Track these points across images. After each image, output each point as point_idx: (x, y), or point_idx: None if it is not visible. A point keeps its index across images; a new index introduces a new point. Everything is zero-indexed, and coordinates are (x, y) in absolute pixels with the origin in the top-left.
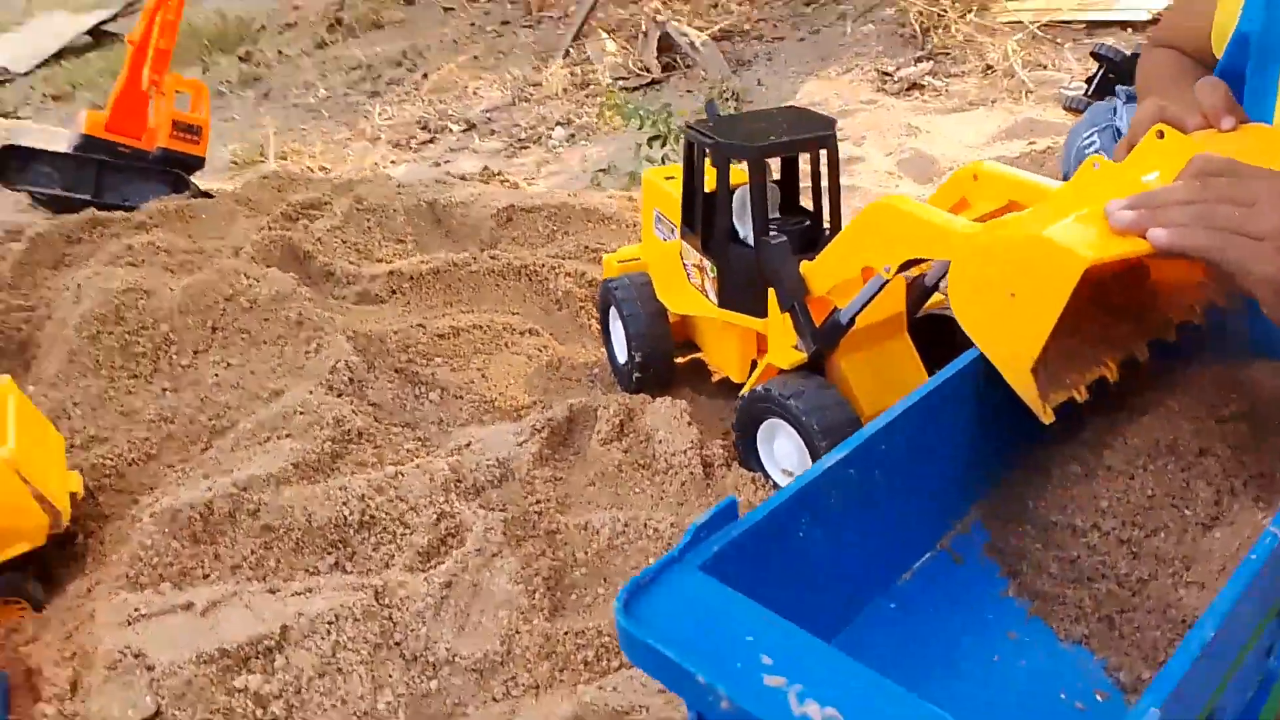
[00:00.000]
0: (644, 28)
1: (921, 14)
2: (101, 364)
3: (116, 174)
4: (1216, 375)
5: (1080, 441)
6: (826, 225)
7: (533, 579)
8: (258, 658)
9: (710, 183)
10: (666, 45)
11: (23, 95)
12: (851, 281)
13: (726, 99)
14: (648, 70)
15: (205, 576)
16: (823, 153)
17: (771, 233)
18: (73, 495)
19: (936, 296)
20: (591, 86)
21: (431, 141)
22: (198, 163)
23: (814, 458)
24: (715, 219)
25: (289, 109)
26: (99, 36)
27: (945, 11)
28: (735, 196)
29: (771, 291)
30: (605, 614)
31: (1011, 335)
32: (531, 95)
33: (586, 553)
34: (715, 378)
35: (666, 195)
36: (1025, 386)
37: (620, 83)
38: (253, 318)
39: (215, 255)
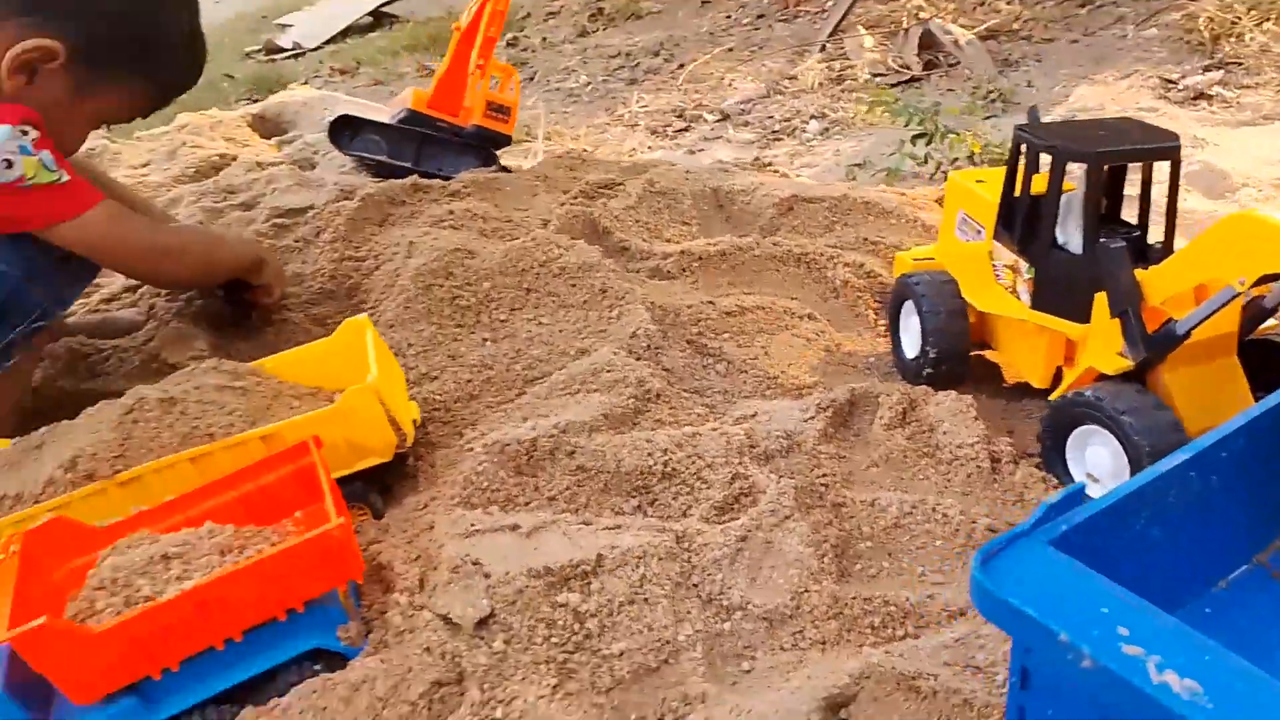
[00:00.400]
0: (905, 24)
1: (1212, 20)
2: (433, 312)
3: (434, 146)
4: None
5: None
6: (1155, 239)
7: (821, 544)
8: (576, 579)
9: (1031, 187)
10: (928, 43)
11: (313, 68)
12: (1186, 294)
13: (992, 100)
14: (907, 68)
15: (527, 504)
16: (1165, 165)
17: (1109, 243)
18: (413, 422)
19: (1271, 322)
20: (847, 82)
21: (687, 130)
22: (506, 140)
23: (1134, 468)
24: (1039, 222)
25: (551, 93)
26: (379, 18)
27: (1239, 19)
28: (1061, 202)
29: (1098, 297)
30: (891, 586)
31: None
32: (786, 89)
33: (873, 528)
34: (1009, 380)
35: (975, 197)
36: None
37: (878, 79)
38: (562, 283)
39: (523, 224)
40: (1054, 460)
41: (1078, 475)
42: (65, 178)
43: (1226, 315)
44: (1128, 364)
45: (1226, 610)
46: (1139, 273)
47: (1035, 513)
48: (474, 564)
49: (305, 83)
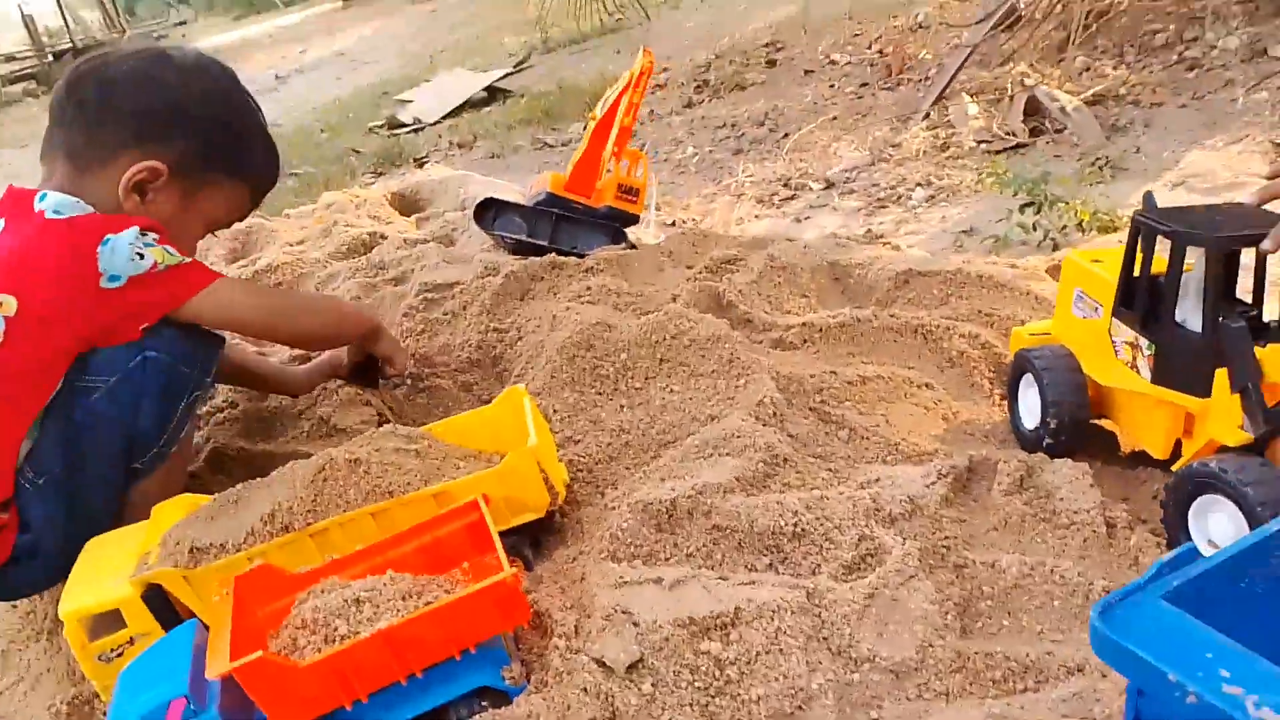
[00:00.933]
0: (1010, 91)
1: None
2: (576, 381)
3: (569, 225)
4: None
5: None
6: (1271, 316)
7: (945, 602)
8: (717, 629)
9: (1156, 267)
10: (1034, 109)
11: (432, 142)
12: None
13: (1101, 167)
14: (1013, 134)
15: (668, 559)
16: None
17: (1230, 322)
18: (564, 481)
19: None
20: (952, 149)
21: (793, 198)
22: (634, 219)
23: None
24: (1160, 302)
25: (660, 164)
26: (493, 93)
27: None
28: (1181, 282)
29: (1219, 373)
30: (1012, 643)
31: None
32: (890, 156)
33: (994, 588)
34: (1125, 450)
35: (1092, 277)
36: None
37: (983, 146)
38: (692, 353)
39: (654, 299)
40: (1175, 528)
41: (1200, 544)
42: (189, 260)
43: None
44: (1248, 437)
45: None
46: (1258, 350)
47: (1150, 570)
48: (624, 613)
49: (425, 155)
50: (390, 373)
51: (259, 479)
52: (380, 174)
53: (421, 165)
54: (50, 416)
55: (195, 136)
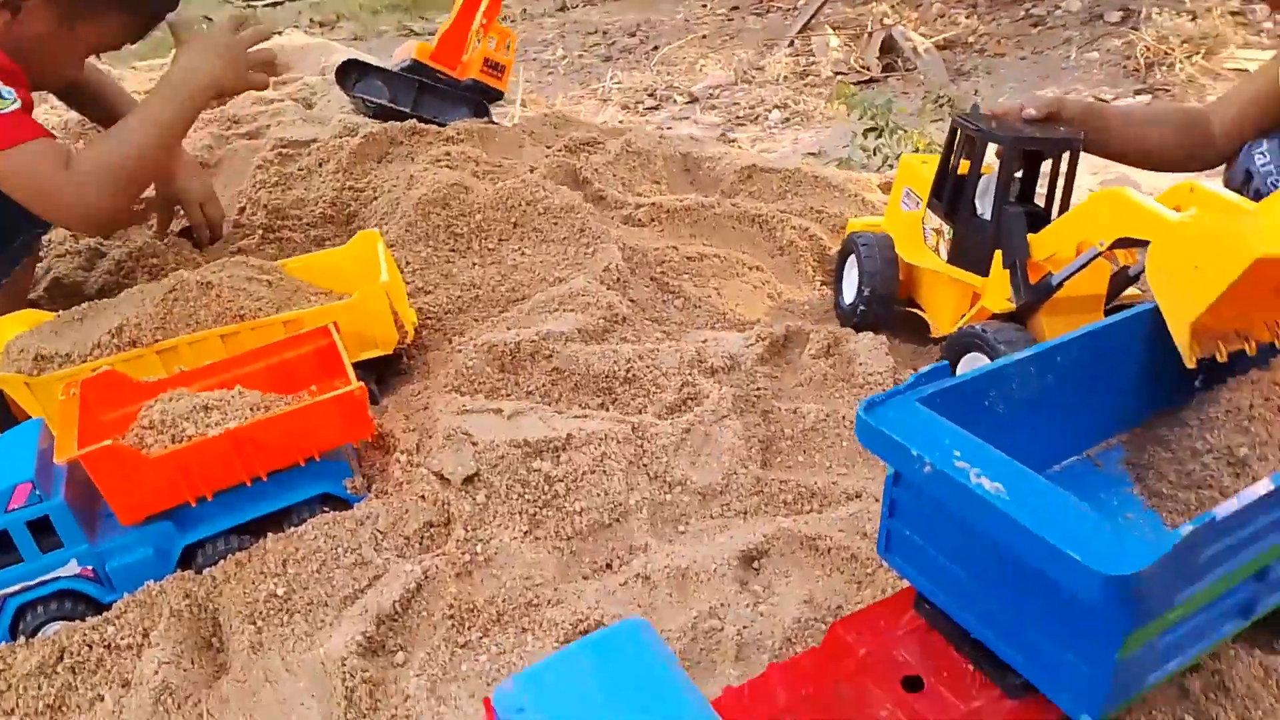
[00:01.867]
0: (870, 28)
1: (1149, 49)
2: (430, 236)
3: (432, 95)
4: None
5: (1213, 397)
6: (1054, 216)
7: (750, 439)
8: (549, 451)
9: (963, 168)
10: (889, 47)
11: (292, 19)
12: (1066, 258)
13: (941, 105)
14: (868, 69)
15: (508, 395)
16: (1066, 156)
17: (1010, 208)
18: (413, 324)
19: (1132, 291)
20: (810, 77)
21: (657, 108)
22: (498, 95)
23: None
24: (962, 193)
25: (529, 63)
26: None
27: (1173, 50)
28: (981, 179)
29: (998, 253)
30: (804, 474)
31: (1185, 296)
32: (753, 78)
33: (794, 430)
34: (933, 334)
35: (918, 175)
36: (1182, 336)
37: (840, 77)
38: (546, 220)
39: (512, 170)
40: None
41: None
42: (16, 104)
43: (1096, 277)
44: (1011, 306)
45: (1054, 483)
46: (1030, 236)
47: (910, 379)
48: (464, 434)
49: (282, 31)
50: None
51: (106, 299)
52: None
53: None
54: None
55: None
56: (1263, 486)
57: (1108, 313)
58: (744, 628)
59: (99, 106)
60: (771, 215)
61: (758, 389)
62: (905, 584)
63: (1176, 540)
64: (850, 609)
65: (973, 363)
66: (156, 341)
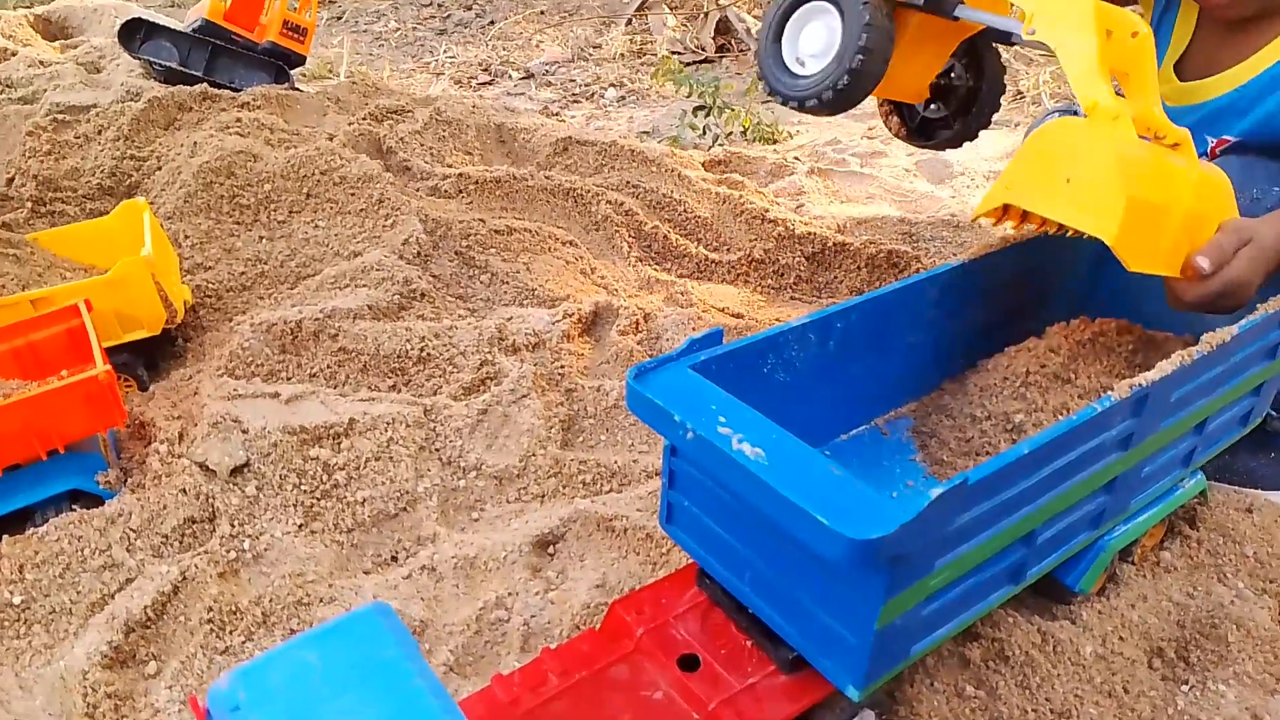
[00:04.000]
0: (705, 9)
1: None
2: (212, 208)
3: (228, 58)
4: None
5: (994, 363)
6: None
7: (551, 419)
8: (329, 438)
9: None
10: (724, 29)
11: None
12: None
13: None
14: (702, 48)
15: (288, 379)
16: None
17: None
18: (185, 303)
19: None
20: (647, 56)
21: (490, 84)
22: (300, 60)
23: (841, 55)
24: None
25: (359, 34)
26: None
27: None
28: None
29: None
30: (605, 453)
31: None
32: (590, 55)
33: (596, 408)
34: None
35: None
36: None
37: (675, 56)
38: (342, 190)
39: (310, 138)
40: (769, 53)
41: (789, 58)
42: None
43: None
44: None
45: (841, 452)
46: None
47: (681, 345)
48: (233, 420)
49: None
50: None
51: None
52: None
53: None
54: None
55: None
56: (1020, 449)
57: None
58: (531, 616)
59: None
60: (587, 189)
61: (561, 366)
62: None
63: (926, 503)
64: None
65: (808, 17)
66: None
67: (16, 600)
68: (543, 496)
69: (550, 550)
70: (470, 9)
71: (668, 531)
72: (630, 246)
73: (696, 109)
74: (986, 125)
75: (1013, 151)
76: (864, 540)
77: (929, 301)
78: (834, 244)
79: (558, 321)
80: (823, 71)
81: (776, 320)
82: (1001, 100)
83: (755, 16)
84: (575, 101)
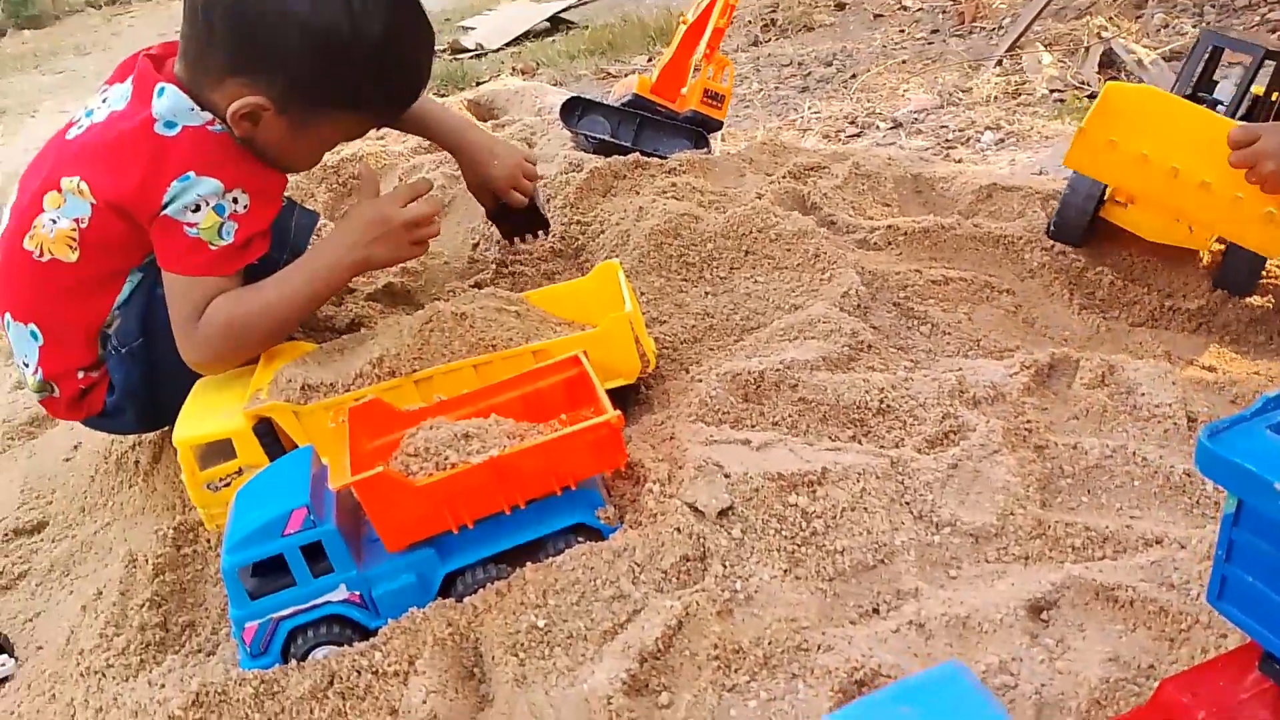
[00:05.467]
0: (1086, 43)
1: None
2: (663, 266)
3: (652, 129)
4: None
5: None
6: None
7: (1026, 476)
8: (804, 485)
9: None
10: (1108, 62)
11: (495, 68)
12: None
13: None
14: (1086, 84)
15: (753, 426)
16: None
17: None
18: (653, 354)
19: None
20: (1024, 96)
21: (859, 135)
22: (718, 125)
23: None
24: None
25: None
26: (556, 23)
27: None
28: None
29: None
30: (1090, 516)
31: None
32: (960, 100)
33: (1075, 467)
34: None
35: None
36: None
37: (1055, 94)
38: (777, 247)
39: (738, 198)
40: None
41: None
42: (226, 244)
43: None
44: None
45: None
46: None
47: (1256, 403)
48: (715, 465)
49: (487, 80)
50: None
51: (366, 330)
52: (443, 95)
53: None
54: (136, 292)
55: (299, 72)
56: None
57: None
58: (1042, 685)
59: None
60: (1017, 235)
61: (1027, 421)
62: (1234, 642)
63: None
64: (1165, 670)
65: None
66: (414, 371)
67: (540, 624)
68: (1026, 558)
69: (1044, 616)
70: (830, 65)
71: (1219, 609)
72: (1071, 294)
73: None
74: None
75: None
76: None
77: None
78: None
79: (1015, 374)
80: None
81: (1255, 374)
82: None
83: (1145, 45)
84: (950, 148)
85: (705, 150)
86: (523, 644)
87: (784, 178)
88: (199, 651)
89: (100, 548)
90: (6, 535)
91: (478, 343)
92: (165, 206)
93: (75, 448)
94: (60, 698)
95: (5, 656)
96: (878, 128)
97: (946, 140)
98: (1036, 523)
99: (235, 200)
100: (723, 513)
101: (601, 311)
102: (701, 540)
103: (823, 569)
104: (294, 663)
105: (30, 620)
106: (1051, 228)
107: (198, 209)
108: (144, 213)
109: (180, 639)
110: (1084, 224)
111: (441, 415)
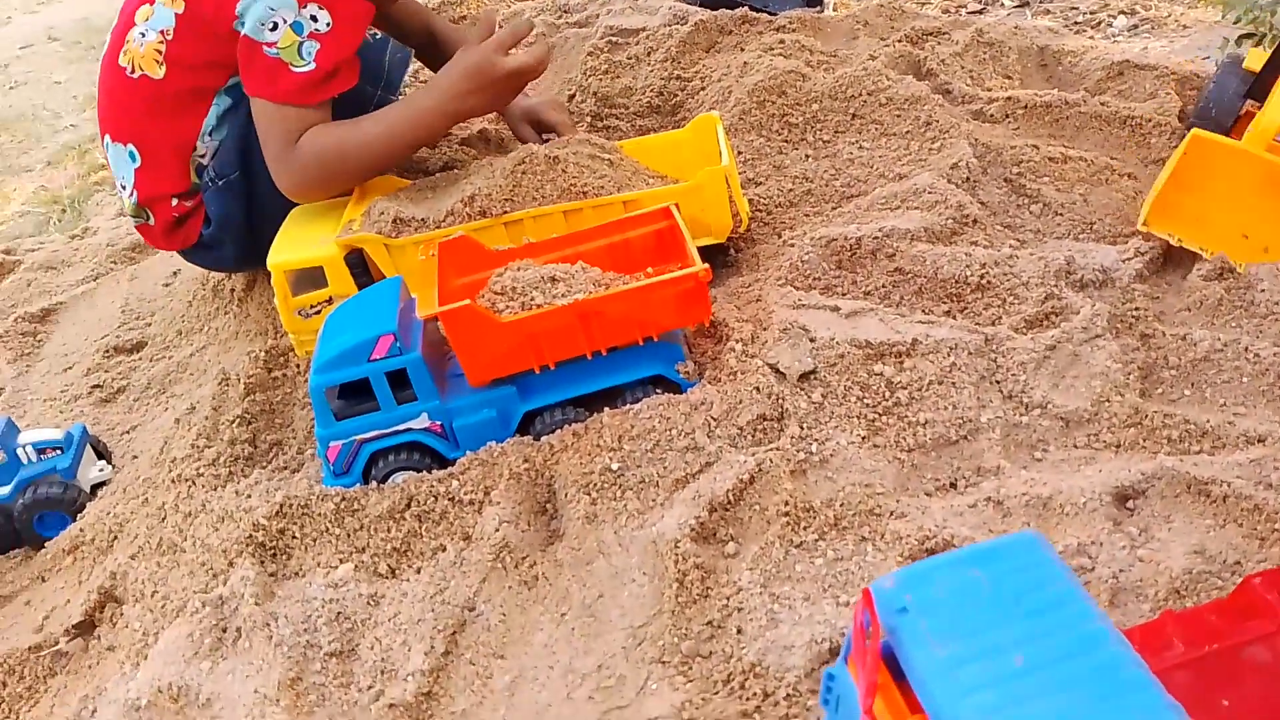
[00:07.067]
0: None
1: None
2: (764, 125)
3: None
4: None
5: None
6: None
7: (1128, 365)
8: (891, 355)
9: None
10: None
11: None
12: None
13: None
14: None
15: (845, 294)
16: None
17: None
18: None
19: None
20: None
21: (981, 11)
22: None
23: None
24: None
25: None
26: None
27: None
28: None
29: None
30: (1192, 409)
31: None
32: None
33: (1181, 359)
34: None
35: None
36: None
37: None
38: (887, 112)
39: (850, 60)
40: None
41: None
42: (309, 68)
43: None
44: None
45: None
46: None
47: None
48: (801, 328)
49: None
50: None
51: (457, 170)
52: None
53: None
54: (229, 118)
55: None
56: None
57: None
58: (1120, 571)
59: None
60: (1146, 117)
61: (1136, 308)
62: None
63: None
64: (1251, 567)
65: None
66: (505, 212)
67: (614, 466)
68: (1118, 446)
69: (1130, 505)
70: None
71: None
72: None
73: (1242, 38)
74: None
75: None
76: None
77: None
78: None
79: (1128, 259)
80: None
81: None
82: None
83: None
84: (1079, 31)
85: (818, 9)
86: (595, 484)
87: (900, 41)
88: (284, 469)
89: (195, 369)
90: (107, 352)
91: (569, 188)
92: (241, 22)
93: (175, 273)
94: (152, 501)
95: (103, 463)
96: (1003, 4)
97: (1076, 22)
98: (1133, 411)
99: (314, 18)
100: (804, 376)
101: (697, 165)
102: (780, 401)
103: (902, 439)
104: (374, 484)
105: (128, 432)
106: (1194, 118)
107: (275, 27)
108: (222, 25)
109: (267, 455)
110: (1230, 120)
111: (529, 258)
